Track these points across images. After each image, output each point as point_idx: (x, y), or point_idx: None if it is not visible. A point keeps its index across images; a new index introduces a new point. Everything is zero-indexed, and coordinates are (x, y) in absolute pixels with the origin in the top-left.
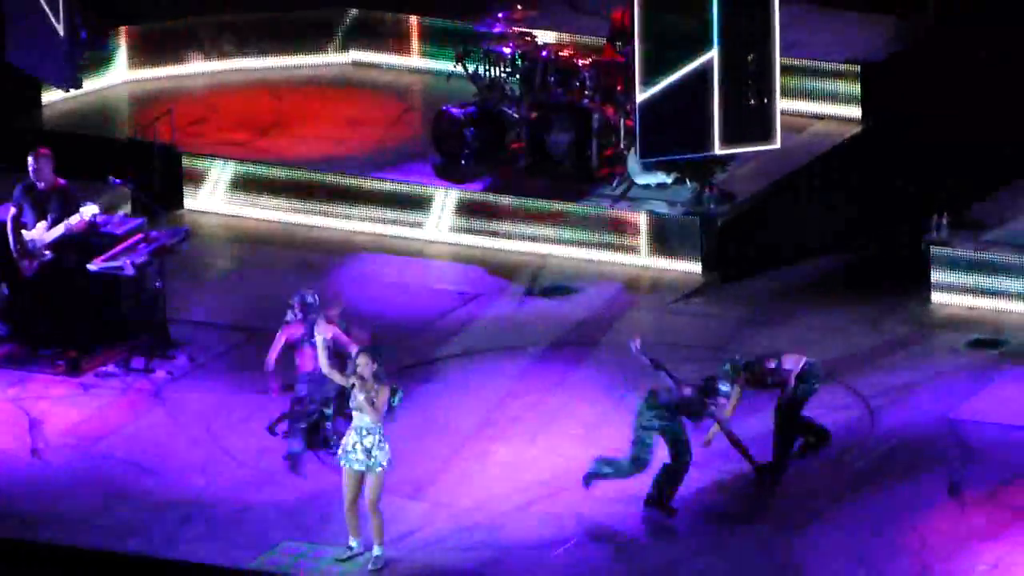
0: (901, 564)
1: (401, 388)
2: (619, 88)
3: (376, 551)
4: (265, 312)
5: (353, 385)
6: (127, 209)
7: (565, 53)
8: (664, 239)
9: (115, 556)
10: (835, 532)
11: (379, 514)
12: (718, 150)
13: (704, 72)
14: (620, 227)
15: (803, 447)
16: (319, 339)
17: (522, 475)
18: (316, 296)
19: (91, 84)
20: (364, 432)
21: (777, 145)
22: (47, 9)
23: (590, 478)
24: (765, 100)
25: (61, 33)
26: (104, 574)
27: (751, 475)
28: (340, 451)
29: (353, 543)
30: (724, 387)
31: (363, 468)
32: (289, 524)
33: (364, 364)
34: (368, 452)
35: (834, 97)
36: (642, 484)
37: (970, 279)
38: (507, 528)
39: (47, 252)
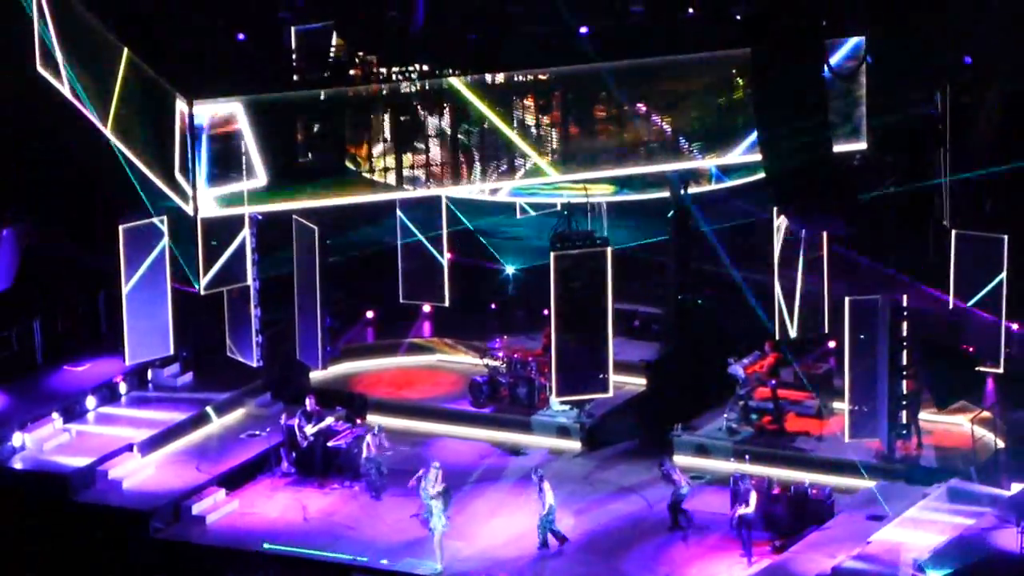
0: None
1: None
2: (545, 370)
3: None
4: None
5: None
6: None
7: (523, 356)
8: (570, 432)
9: None
10: None
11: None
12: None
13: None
14: (552, 428)
15: None
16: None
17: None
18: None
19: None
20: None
21: (611, 394)
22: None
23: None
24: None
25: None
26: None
27: None
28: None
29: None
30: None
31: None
32: None
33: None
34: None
35: None
36: None
37: None
38: None
39: (311, 437)
